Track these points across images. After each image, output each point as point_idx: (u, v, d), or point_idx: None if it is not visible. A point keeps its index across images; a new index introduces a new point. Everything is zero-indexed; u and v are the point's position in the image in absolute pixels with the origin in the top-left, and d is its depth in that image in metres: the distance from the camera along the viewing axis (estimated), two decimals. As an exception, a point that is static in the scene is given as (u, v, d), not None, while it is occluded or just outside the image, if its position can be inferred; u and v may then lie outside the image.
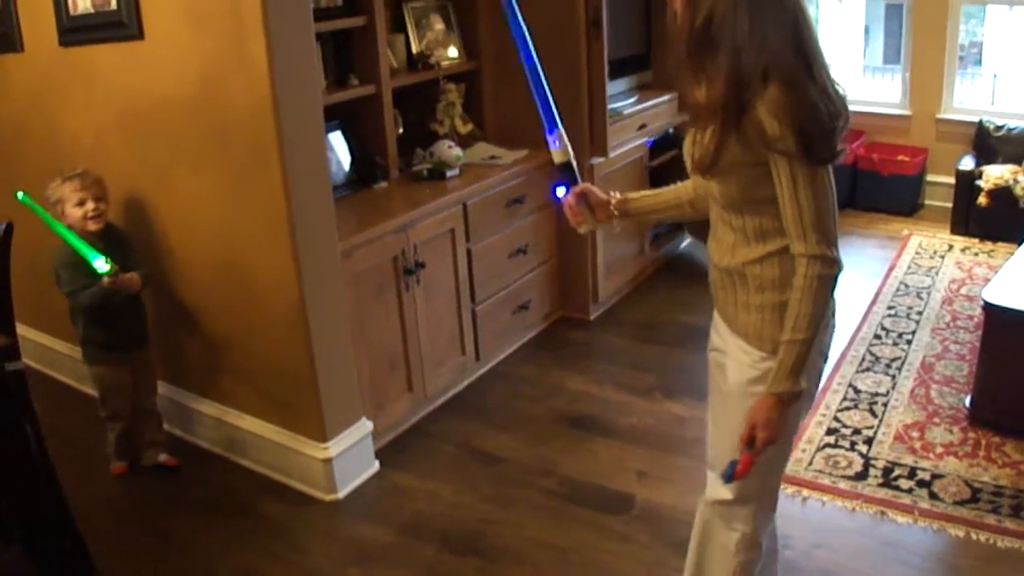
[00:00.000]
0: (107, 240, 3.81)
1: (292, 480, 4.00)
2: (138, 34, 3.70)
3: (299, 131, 3.50)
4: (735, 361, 2.43)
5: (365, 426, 4.04)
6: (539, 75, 2.64)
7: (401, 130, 4.88)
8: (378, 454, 4.16)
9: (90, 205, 3.77)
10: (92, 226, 3.78)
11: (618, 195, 2.67)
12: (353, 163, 4.61)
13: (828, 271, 2.19)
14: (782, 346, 2.23)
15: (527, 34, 2.67)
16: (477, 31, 5.28)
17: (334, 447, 3.87)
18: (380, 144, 4.68)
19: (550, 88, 2.62)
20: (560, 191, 2.64)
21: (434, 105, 5.05)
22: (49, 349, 5.09)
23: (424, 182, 4.66)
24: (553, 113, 2.60)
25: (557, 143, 2.59)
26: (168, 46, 3.66)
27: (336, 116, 4.50)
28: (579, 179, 2.62)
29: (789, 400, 2.25)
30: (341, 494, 3.93)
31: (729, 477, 2.35)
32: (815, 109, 2.08)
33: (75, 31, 3.97)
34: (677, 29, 2.21)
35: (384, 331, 4.17)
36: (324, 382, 3.77)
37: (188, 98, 3.67)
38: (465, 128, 5.16)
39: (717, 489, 2.53)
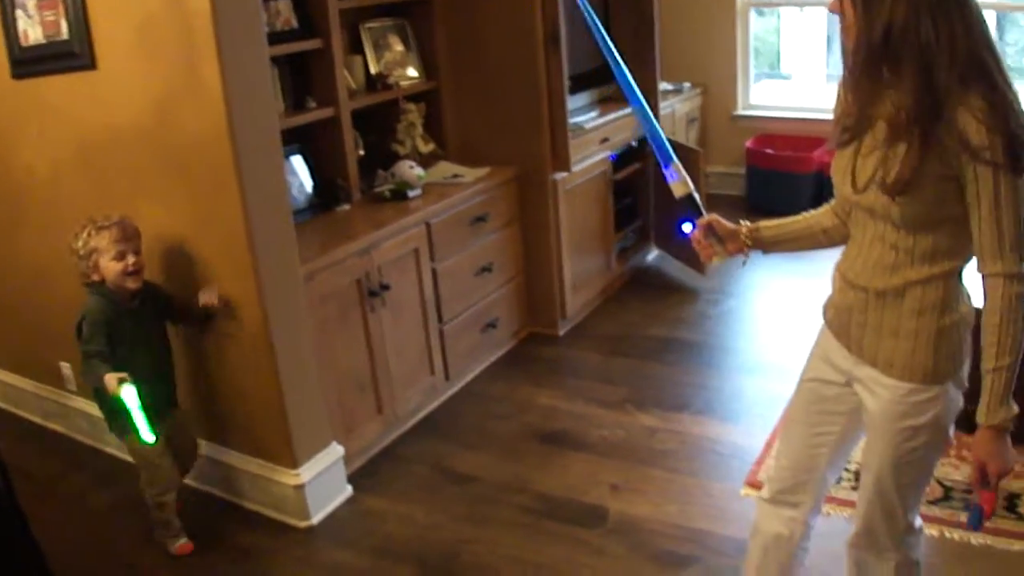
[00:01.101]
0: (144, 297, 3.58)
1: (265, 508, 3.97)
2: (91, 64, 3.67)
3: (257, 156, 3.48)
4: (874, 396, 2.34)
5: (336, 451, 4.01)
6: (648, 116, 2.58)
7: (362, 152, 4.86)
8: (350, 478, 4.13)
9: (131, 259, 3.45)
10: (132, 283, 3.48)
11: (748, 224, 2.59)
12: (315, 186, 4.59)
13: None
14: (989, 375, 2.14)
15: (632, 82, 2.61)
16: (435, 50, 5.28)
17: (305, 473, 3.84)
18: (341, 166, 4.67)
19: (654, 127, 2.59)
20: (687, 227, 2.58)
21: (394, 125, 5.04)
22: (13, 387, 5.03)
23: (387, 203, 4.64)
24: (667, 147, 2.53)
25: (675, 176, 2.53)
26: (122, 75, 3.63)
27: (296, 139, 4.48)
28: (703, 211, 2.55)
29: (1007, 427, 2.17)
30: (315, 520, 3.89)
31: (977, 523, 2.29)
32: (1020, 114, 1.98)
33: (27, 63, 3.93)
34: (850, 42, 2.10)
35: (351, 354, 4.15)
36: (292, 408, 3.74)
37: (144, 127, 3.64)
38: (426, 148, 5.15)
39: (863, 524, 2.51)
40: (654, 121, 2.59)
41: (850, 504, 3.71)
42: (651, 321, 5.74)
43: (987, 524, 3.50)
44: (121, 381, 3.19)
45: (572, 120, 5.31)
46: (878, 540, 2.49)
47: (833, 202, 2.47)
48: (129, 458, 3.84)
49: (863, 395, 2.38)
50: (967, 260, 2.17)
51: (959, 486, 3.79)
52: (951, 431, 2.33)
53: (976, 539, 3.47)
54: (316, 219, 4.45)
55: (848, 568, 2.66)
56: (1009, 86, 1.99)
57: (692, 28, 8.02)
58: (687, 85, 7.83)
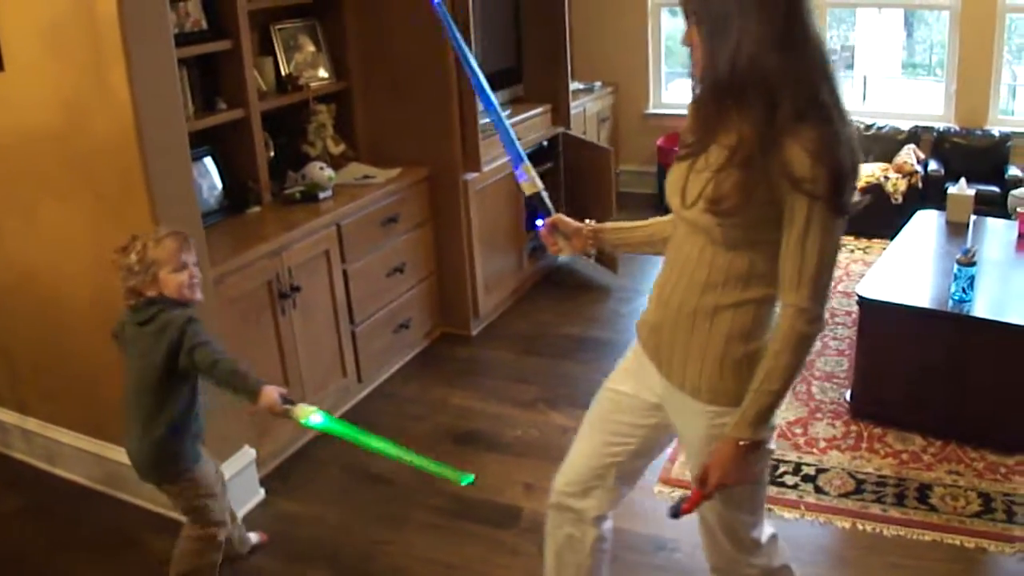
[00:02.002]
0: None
1: (176, 512, 3.93)
2: (-2, 65, 3.62)
3: (165, 158, 3.45)
4: (686, 423, 2.39)
5: (248, 454, 3.99)
6: (500, 117, 2.65)
7: (272, 153, 4.84)
8: (263, 481, 4.12)
9: (194, 271, 3.20)
10: (194, 294, 3.20)
11: (592, 223, 2.65)
12: (225, 188, 4.55)
13: (814, 329, 2.12)
14: (751, 394, 2.17)
15: (484, 82, 2.68)
16: (346, 51, 5.27)
17: (217, 477, 3.81)
18: (251, 168, 4.63)
19: (510, 126, 2.70)
20: (539, 222, 2.67)
21: (305, 127, 5.02)
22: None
23: (297, 205, 4.63)
24: (517, 148, 2.62)
25: (524, 176, 2.63)
26: (29, 77, 3.57)
27: (205, 141, 4.44)
28: (551, 209, 2.62)
29: (749, 448, 2.19)
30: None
31: (676, 513, 2.33)
32: (849, 152, 2.03)
33: (-71, 65, 3.86)
34: (698, 70, 2.15)
35: (262, 357, 4.12)
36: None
37: (52, 130, 3.59)
38: (337, 149, 5.14)
39: (716, 554, 2.57)
40: (506, 124, 2.68)
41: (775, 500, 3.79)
42: (563, 320, 5.78)
43: (897, 515, 3.61)
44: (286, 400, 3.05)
45: (483, 120, 5.32)
46: (736, 564, 2.55)
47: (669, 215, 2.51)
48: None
49: (675, 420, 2.45)
50: (776, 289, 2.20)
51: (871, 478, 3.89)
52: (770, 444, 2.35)
53: (888, 530, 3.57)
54: (226, 221, 4.42)
55: None
56: (845, 122, 2.05)
57: (604, 27, 8.08)
58: (598, 84, 7.90)
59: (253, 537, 3.75)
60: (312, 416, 3.02)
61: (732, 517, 2.45)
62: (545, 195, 2.66)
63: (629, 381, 2.56)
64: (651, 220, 2.66)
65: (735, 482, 2.24)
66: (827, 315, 2.20)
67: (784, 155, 2.00)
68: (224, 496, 3.44)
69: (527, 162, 2.64)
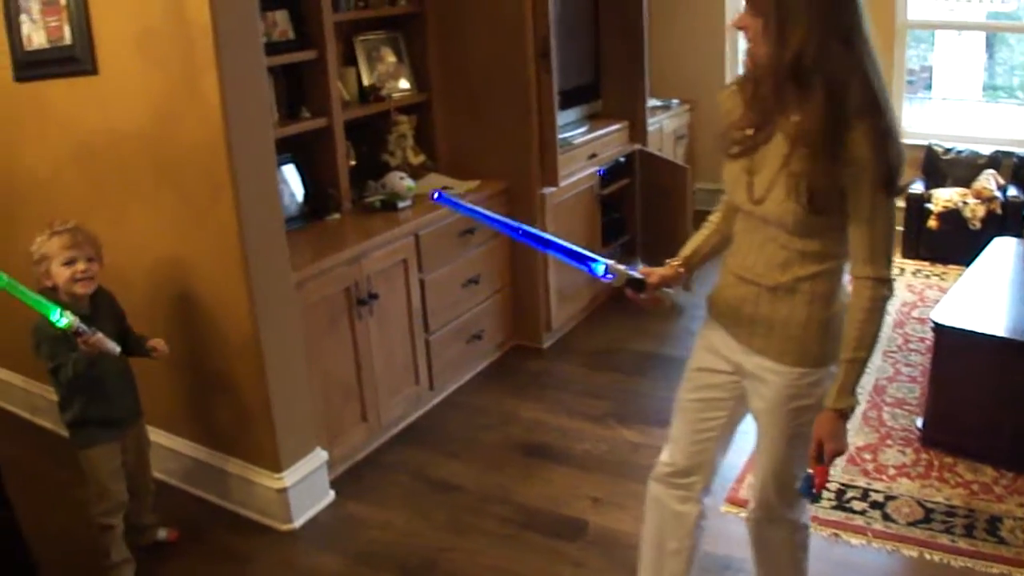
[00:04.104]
0: (95, 305, 3.45)
1: (248, 511, 4.01)
2: (92, 69, 3.72)
3: (251, 165, 3.53)
4: (765, 383, 2.53)
5: (320, 456, 4.05)
6: (542, 239, 2.70)
7: (353, 162, 4.91)
8: (333, 484, 4.17)
9: (80, 265, 3.34)
10: (80, 289, 3.35)
11: (676, 261, 2.79)
12: (306, 195, 4.63)
13: (889, 293, 2.33)
14: (844, 364, 2.35)
15: (500, 218, 2.77)
16: (427, 63, 5.34)
17: (289, 477, 3.88)
18: (332, 176, 4.71)
19: (560, 240, 2.68)
20: (636, 291, 2.68)
21: (386, 137, 5.08)
22: (2, 381, 5.07)
23: (376, 213, 4.69)
24: (583, 255, 2.60)
25: (612, 276, 2.59)
26: (122, 81, 3.68)
27: (288, 149, 4.52)
28: (641, 276, 2.67)
29: (849, 414, 2.39)
30: (297, 524, 3.93)
31: (808, 490, 2.46)
32: (900, 143, 2.22)
33: (30, 66, 3.98)
34: (760, 64, 2.29)
35: (338, 362, 4.19)
36: (279, 413, 3.79)
37: (142, 133, 3.69)
38: (417, 159, 5.19)
39: (759, 499, 2.76)
40: (554, 241, 2.68)
41: (827, 523, 3.78)
42: (635, 336, 5.78)
43: (965, 547, 3.57)
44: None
45: (561, 135, 5.37)
46: (774, 511, 2.73)
47: (722, 207, 2.77)
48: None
49: (752, 384, 2.59)
50: (847, 260, 2.39)
51: (940, 508, 3.82)
52: None
53: (956, 561, 3.51)
54: (307, 228, 4.49)
55: (750, 538, 2.92)
56: (893, 117, 2.22)
57: (681, 44, 8.06)
58: (675, 101, 7.86)
59: (162, 532, 3.86)
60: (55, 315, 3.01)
61: (786, 471, 2.61)
62: (631, 271, 2.64)
63: (708, 357, 2.71)
64: (713, 222, 2.81)
65: (842, 448, 2.40)
66: (901, 340, 2.30)
67: (849, 146, 2.18)
68: (116, 482, 3.55)
69: (601, 260, 2.59)
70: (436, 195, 2.81)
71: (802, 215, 2.28)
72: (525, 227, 2.68)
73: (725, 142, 2.49)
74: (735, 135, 2.45)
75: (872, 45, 2.20)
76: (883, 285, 2.31)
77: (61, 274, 3.34)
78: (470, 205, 2.85)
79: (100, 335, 3.13)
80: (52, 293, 3.34)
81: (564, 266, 5.49)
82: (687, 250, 2.81)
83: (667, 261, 2.78)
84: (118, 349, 3.23)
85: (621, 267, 2.60)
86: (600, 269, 2.57)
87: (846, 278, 2.43)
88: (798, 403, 2.48)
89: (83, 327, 3.07)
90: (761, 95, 2.33)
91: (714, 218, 2.81)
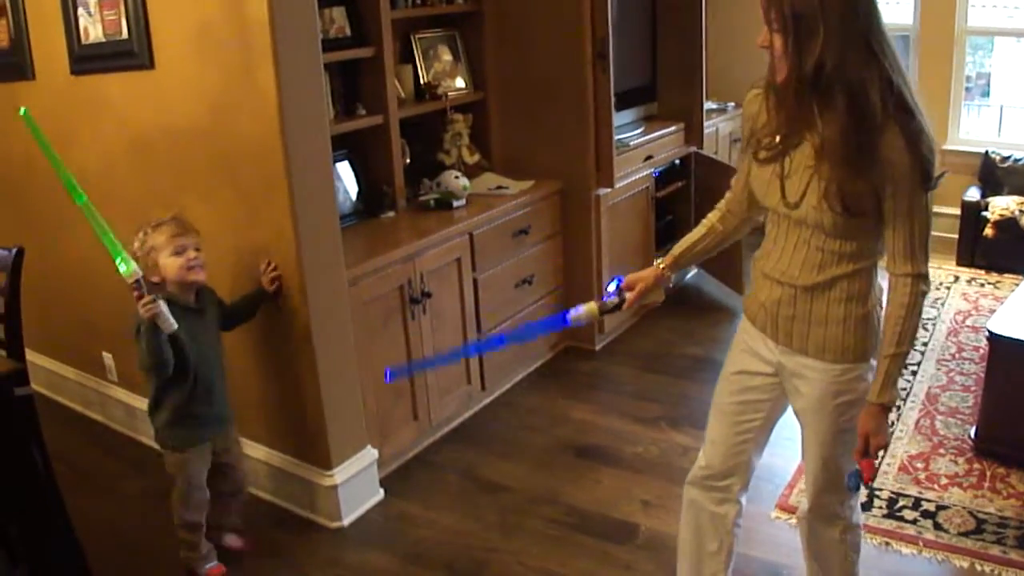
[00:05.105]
0: (200, 299, 3.47)
1: (297, 507, 4.02)
2: (149, 64, 3.74)
3: (307, 161, 3.53)
4: (807, 381, 2.56)
5: (370, 454, 4.05)
6: (503, 336, 2.90)
7: (408, 160, 4.91)
8: (383, 482, 4.17)
9: (192, 253, 3.35)
10: (194, 276, 3.36)
11: (663, 262, 2.85)
12: (360, 193, 4.64)
13: (927, 288, 2.37)
14: (885, 359, 2.37)
15: (451, 351, 2.93)
16: (484, 62, 5.34)
17: (339, 475, 3.88)
18: (387, 174, 4.72)
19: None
20: (617, 300, 2.81)
21: (441, 135, 5.09)
22: (56, 375, 5.11)
23: (431, 212, 4.69)
24: (549, 321, 2.77)
25: (580, 320, 2.81)
26: (178, 76, 3.70)
27: (344, 146, 4.54)
28: (622, 297, 2.80)
29: (891, 407, 2.42)
30: (346, 521, 3.94)
31: (857, 485, 2.54)
32: (931, 138, 2.23)
33: (87, 60, 4.02)
34: (780, 73, 2.30)
35: (390, 360, 4.17)
36: (330, 410, 3.79)
37: (197, 127, 3.71)
38: (472, 158, 5.19)
39: (811, 497, 2.76)
40: (513, 335, 2.87)
41: (878, 531, 3.73)
42: (687, 339, 5.75)
43: (1017, 558, 3.52)
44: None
45: (617, 136, 5.34)
46: (827, 509, 2.75)
47: (725, 204, 2.84)
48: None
49: (794, 383, 2.62)
50: (881, 257, 2.43)
51: (992, 518, 3.77)
52: None
53: (1008, 573, 3.44)
54: (361, 225, 4.51)
55: (802, 538, 2.96)
56: (923, 116, 2.23)
57: (739, 48, 8.00)
58: (731, 105, 7.82)
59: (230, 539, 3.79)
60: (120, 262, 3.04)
61: (834, 467, 2.63)
62: (606, 300, 2.80)
63: (747, 359, 2.74)
64: (709, 221, 2.88)
65: (886, 441, 2.45)
66: (955, 348, 2.29)
67: (883, 148, 2.20)
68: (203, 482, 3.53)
69: (570, 313, 2.78)
70: (388, 374, 3.05)
71: (840, 218, 2.31)
72: (477, 342, 2.80)
73: (753, 146, 2.52)
74: (763, 140, 2.47)
75: (892, 46, 2.22)
76: (922, 280, 2.34)
77: (171, 264, 3.32)
78: (422, 361, 3.10)
79: (161, 304, 3.12)
80: (158, 289, 3.30)
81: (617, 267, 5.50)
82: (678, 249, 2.89)
83: (655, 262, 2.86)
84: (175, 326, 3.18)
85: (584, 308, 2.76)
86: (570, 318, 2.77)
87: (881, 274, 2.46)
88: (842, 399, 2.51)
89: (142, 284, 3.08)
90: (786, 106, 2.35)
91: (711, 217, 2.87)
